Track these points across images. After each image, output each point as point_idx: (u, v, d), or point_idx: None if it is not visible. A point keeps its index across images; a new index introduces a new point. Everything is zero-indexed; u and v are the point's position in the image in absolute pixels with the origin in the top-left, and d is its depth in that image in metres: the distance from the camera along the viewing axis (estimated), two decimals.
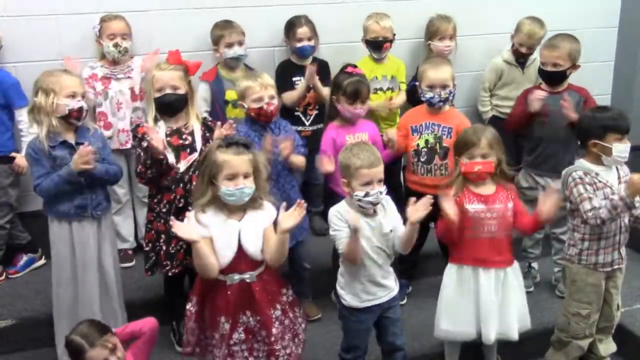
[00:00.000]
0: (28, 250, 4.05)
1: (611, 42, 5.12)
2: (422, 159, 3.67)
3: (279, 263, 2.84)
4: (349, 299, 2.99)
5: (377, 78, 4.27)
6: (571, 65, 3.77)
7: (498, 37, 4.70)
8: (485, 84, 4.62)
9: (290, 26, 4.16)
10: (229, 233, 2.74)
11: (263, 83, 3.38)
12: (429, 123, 3.67)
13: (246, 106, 3.39)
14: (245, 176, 2.73)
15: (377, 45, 4.24)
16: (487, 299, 3.13)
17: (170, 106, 3.30)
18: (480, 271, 3.14)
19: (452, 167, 3.54)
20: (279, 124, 3.50)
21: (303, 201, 2.73)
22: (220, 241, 2.72)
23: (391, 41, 4.27)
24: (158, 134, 3.22)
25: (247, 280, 2.79)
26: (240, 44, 4.04)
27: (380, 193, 2.84)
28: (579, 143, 3.40)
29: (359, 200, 2.84)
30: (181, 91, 3.30)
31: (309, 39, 4.13)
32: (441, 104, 3.64)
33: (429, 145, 3.67)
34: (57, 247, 3.22)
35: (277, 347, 2.83)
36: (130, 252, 4.11)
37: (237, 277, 2.77)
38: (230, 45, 4.01)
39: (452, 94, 3.66)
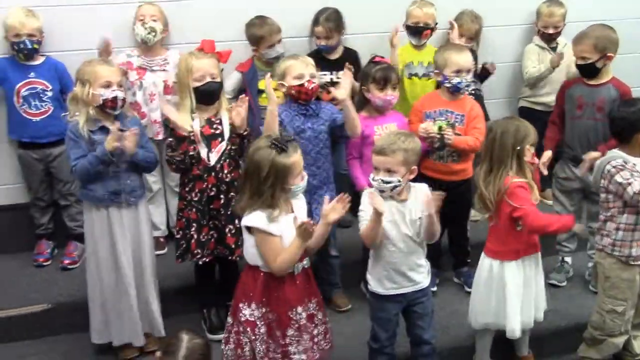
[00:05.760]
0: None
1: None
2: (435, 145, 3.67)
3: (315, 250, 2.90)
4: (373, 284, 3.02)
5: (413, 64, 4.27)
6: (601, 57, 3.69)
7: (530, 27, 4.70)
8: (529, 69, 4.52)
9: (313, 21, 4.15)
10: (290, 226, 2.75)
11: (305, 61, 3.43)
12: (444, 110, 3.69)
13: (286, 85, 3.40)
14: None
15: (416, 31, 4.24)
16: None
17: (212, 94, 3.33)
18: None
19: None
20: (318, 104, 3.51)
21: (346, 195, 2.75)
22: (286, 236, 2.72)
23: (432, 29, 4.25)
24: (174, 110, 3.27)
25: (306, 266, 2.85)
26: (279, 42, 4.03)
27: (384, 182, 2.83)
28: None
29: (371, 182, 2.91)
30: (219, 79, 3.34)
31: (326, 38, 4.10)
32: (467, 88, 3.69)
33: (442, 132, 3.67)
34: (93, 232, 3.26)
35: (328, 325, 2.96)
36: (162, 239, 4.14)
37: (300, 265, 2.81)
38: (271, 46, 4.00)
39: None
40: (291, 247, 2.69)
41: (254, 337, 2.79)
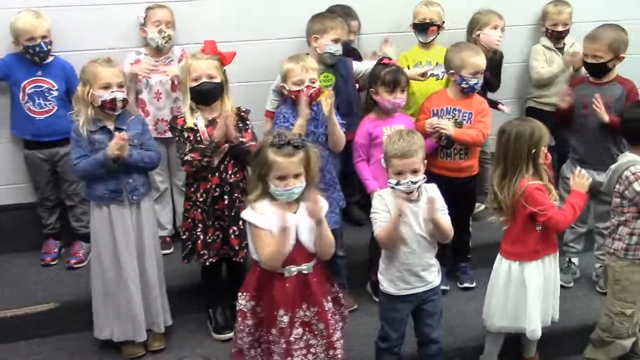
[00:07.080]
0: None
1: None
2: (442, 143, 3.70)
3: (326, 256, 2.83)
4: (386, 285, 3.01)
5: (421, 63, 4.23)
6: (613, 57, 3.69)
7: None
8: (537, 70, 4.49)
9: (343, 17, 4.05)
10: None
11: (305, 66, 3.39)
12: (451, 108, 3.72)
13: (287, 88, 3.40)
14: (296, 176, 2.70)
15: (423, 28, 4.22)
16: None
17: (207, 95, 3.31)
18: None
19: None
20: (320, 106, 3.46)
21: (319, 196, 2.70)
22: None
23: (438, 26, 4.24)
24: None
25: (304, 272, 2.78)
26: (344, 43, 3.90)
27: (413, 183, 2.84)
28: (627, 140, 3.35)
29: (392, 187, 2.87)
30: (217, 80, 3.32)
31: (354, 33, 4.08)
32: (480, 88, 3.73)
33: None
34: (96, 230, 3.28)
35: (334, 339, 2.83)
36: (168, 239, 4.14)
37: (294, 269, 2.76)
38: (337, 41, 3.85)
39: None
40: (275, 239, 2.66)
41: (241, 327, 2.81)
